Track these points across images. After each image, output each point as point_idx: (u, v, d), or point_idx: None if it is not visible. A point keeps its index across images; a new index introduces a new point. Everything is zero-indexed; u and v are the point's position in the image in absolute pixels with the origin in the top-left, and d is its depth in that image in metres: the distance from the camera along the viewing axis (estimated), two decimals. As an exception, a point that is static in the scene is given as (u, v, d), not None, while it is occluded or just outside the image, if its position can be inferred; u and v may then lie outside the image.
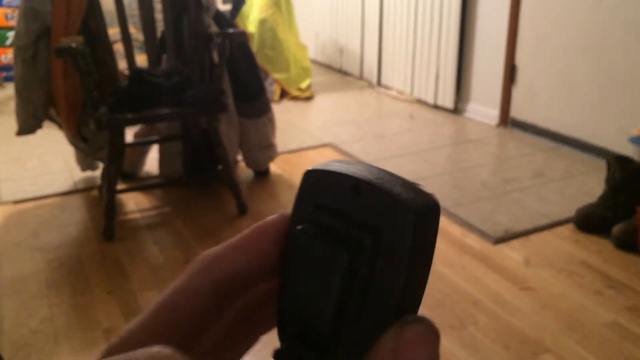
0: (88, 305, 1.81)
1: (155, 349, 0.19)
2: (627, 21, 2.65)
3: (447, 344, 1.60)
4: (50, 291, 1.89)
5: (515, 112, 3.31)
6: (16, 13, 3.77)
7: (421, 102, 3.88)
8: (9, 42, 4.48)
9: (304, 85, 4.14)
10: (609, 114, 2.80)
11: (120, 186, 2.41)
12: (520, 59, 3.21)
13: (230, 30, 2.31)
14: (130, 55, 2.37)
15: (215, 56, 2.38)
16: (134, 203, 2.51)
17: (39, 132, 2.47)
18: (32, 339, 1.65)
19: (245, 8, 4.13)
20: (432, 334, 0.21)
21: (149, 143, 2.70)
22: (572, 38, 2.90)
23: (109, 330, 1.69)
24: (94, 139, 2.45)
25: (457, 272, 1.94)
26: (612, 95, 2.76)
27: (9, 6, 4.49)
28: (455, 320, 1.70)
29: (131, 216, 2.42)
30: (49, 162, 2.95)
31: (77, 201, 2.55)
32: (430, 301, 1.79)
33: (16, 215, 2.41)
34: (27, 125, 2.38)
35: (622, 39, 2.68)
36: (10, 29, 4.42)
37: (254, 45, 3.91)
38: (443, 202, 2.42)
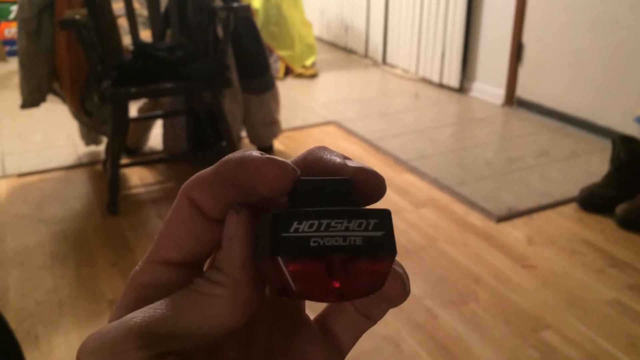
0: (92, 277, 1.83)
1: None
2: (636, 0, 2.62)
3: (448, 320, 1.61)
4: (55, 263, 1.90)
5: (521, 92, 3.29)
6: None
7: (426, 81, 3.85)
8: (12, 16, 4.45)
9: (308, 62, 4.11)
10: (615, 94, 2.78)
11: (124, 161, 2.41)
12: (527, 37, 3.18)
13: (235, 4, 2.29)
14: (134, 30, 2.36)
15: (220, 31, 2.36)
16: (137, 178, 2.51)
17: (43, 106, 2.47)
18: (37, 310, 1.67)
19: (250, -16, 4.09)
20: None
21: (153, 118, 2.70)
22: (580, 16, 2.87)
23: (113, 301, 1.70)
24: (97, 113, 2.45)
25: (459, 250, 1.94)
26: (619, 75, 2.74)
27: (12, -20, 4.45)
28: (456, 297, 1.71)
29: (135, 191, 2.42)
30: (53, 136, 2.95)
31: (81, 175, 2.55)
32: (432, 277, 1.80)
33: (20, 189, 2.42)
34: (31, 99, 2.38)
35: (631, 18, 2.64)
36: (13, 2, 4.39)
37: (259, 22, 3.88)
38: (446, 180, 2.42)
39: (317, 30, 4.73)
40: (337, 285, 0.20)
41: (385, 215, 0.21)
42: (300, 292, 0.20)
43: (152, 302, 0.21)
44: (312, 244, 0.20)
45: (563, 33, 2.98)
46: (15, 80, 2.63)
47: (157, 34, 2.47)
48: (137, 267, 0.23)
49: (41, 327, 1.60)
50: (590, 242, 1.98)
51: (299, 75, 4.02)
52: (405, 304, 1.64)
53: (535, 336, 1.54)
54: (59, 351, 1.52)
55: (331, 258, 0.20)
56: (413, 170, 2.54)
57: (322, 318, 0.26)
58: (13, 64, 4.08)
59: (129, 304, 0.22)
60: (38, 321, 1.62)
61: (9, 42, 4.44)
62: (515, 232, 2.05)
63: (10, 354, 1.01)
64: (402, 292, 0.23)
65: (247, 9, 2.30)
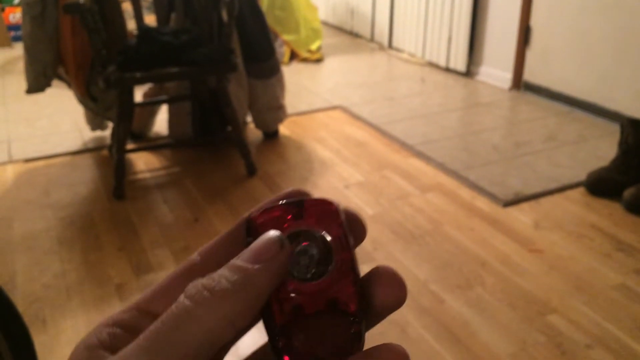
0: (99, 262, 1.84)
1: None
2: (646, -19, 2.57)
3: (454, 304, 1.61)
4: (62, 248, 1.91)
5: (529, 75, 3.26)
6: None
7: (433, 65, 3.82)
8: (16, 0, 4.44)
9: (314, 47, 4.08)
10: (624, 78, 2.74)
11: (129, 146, 2.41)
12: (535, 20, 3.14)
13: (240, -12, 2.27)
14: (138, 15, 2.34)
15: (224, 15, 2.34)
16: (143, 163, 2.51)
17: (49, 92, 2.46)
18: (44, 294, 1.68)
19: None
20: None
21: (158, 103, 2.69)
22: (589, -1, 2.83)
23: (121, 285, 1.71)
24: (102, 98, 2.44)
25: (465, 234, 1.94)
26: (628, 58, 2.71)
27: (16, -36, 4.43)
28: (462, 281, 1.71)
29: (141, 176, 2.42)
30: (58, 122, 2.95)
31: (87, 160, 2.56)
32: (438, 262, 1.79)
33: (27, 174, 2.43)
34: (37, 84, 2.37)
35: (641, 0, 2.61)
36: (17, -13, 4.37)
37: (263, 6, 3.85)
38: (453, 164, 2.41)
39: (322, 14, 4.69)
40: None
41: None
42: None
43: (118, 341, 0.21)
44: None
45: (571, 16, 2.94)
46: (21, 65, 2.63)
47: (162, 19, 2.45)
48: (113, 314, 0.23)
49: (49, 311, 1.61)
50: (598, 227, 1.97)
51: (305, 60, 3.99)
52: (411, 288, 1.64)
53: (542, 320, 1.54)
54: (66, 335, 1.53)
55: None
56: (419, 154, 2.53)
57: None
58: (18, 49, 4.07)
59: (87, 340, 0.22)
60: (45, 305, 1.63)
61: (13, 27, 4.43)
62: (522, 216, 2.04)
63: (18, 338, 1.02)
64: (402, 295, 0.24)
65: (252, -8, 2.28)
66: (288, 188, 0.25)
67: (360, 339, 0.22)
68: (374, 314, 0.24)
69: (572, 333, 1.49)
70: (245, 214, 0.24)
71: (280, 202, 0.23)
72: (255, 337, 0.26)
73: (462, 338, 1.49)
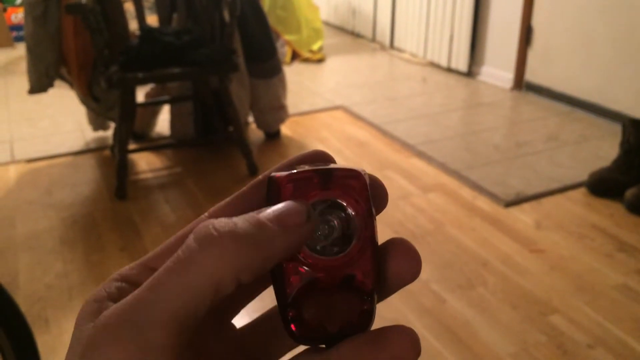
0: (101, 262, 1.84)
1: None
2: (648, -19, 2.57)
3: (455, 304, 1.61)
4: (64, 248, 1.92)
5: (530, 76, 3.26)
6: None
7: (434, 65, 3.82)
8: (19, 1, 4.45)
9: (315, 47, 4.09)
10: (626, 77, 2.74)
11: (131, 146, 2.42)
12: (537, 20, 3.14)
13: (241, -12, 2.28)
14: (140, 15, 2.35)
15: (226, 15, 2.34)
16: (145, 163, 2.52)
17: (51, 92, 2.47)
18: (47, 293, 1.69)
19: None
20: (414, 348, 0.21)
21: (160, 103, 2.70)
22: (590, -2, 2.83)
23: (122, 286, 1.72)
24: (105, 98, 2.45)
25: (466, 234, 1.94)
26: (630, 58, 2.71)
27: (18, -35, 4.44)
28: (464, 281, 1.71)
29: (143, 176, 2.43)
30: (61, 122, 2.96)
31: (89, 160, 2.56)
32: (439, 262, 1.80)
33: (29, 174, 2.44)
34: (39, 84, 2.38)
35: (643, 0, 2.61)
36: (20, -12, 4.38)
37: (265, 6, 3.85)
38: (454, 164, 2.41)
39: (324, 14, 4.70)
40: None
41: None
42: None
43: (125, 294, 0.21)
44: None
45: (573, 15, 2.94)
46: (23, 65, 2.64)
47: (164, 19, 2.46)
48: (120, 270, 0.23)
49: (51, 311, 1.61)
50: (599, 227, 1.97)
51: (306, 60, 4.00)
52: (413, 288, 1.64)
53: (543, 320, 1.54)
54: (69, 335, 1.52)
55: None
56: (420, 154, 2.53)
57: None
58: (20, 49, 4.08)
59: (96, 294, 0.22)
60: (48, 305, 1.64)
61: (16, 27, 4.44)
62: (523, 216, 2.04)
63: (21, 337, 1.03)
64: (417, 268, 0.22)
65: (254, -8, 2.29)
66: (310, 150, 0.24)
67: (371, 317, 0.21)
68: (385, 288, 0.23)
69: (574, 333, 1.50)
70: (267, 172, 0.23)
71: (307, 167, 0.22)
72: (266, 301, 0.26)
73: (463, 338, 1.49)
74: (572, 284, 1.69)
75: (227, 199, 0.23)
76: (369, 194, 0.22)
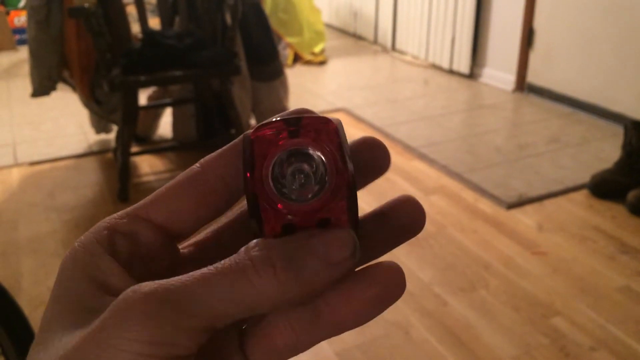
0: (104, 265, 1.84)
1: None
2: (650, -17, 2.57)
3: (457, 306, 1.61)
4: (67, 250, 1.92)
5: (532, 77, 3.26)
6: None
7: (436, 67, 3.83)
8: (21, 4, 4.46)
9: (317, 49, 4.09)
10: (627, 79, 2.74)
11: (134, 149, 2.42)
12: (538, 22, 3.15)
13: (243, -9, 2.29)
14: (142, 18, 2.35)
15: (228, 18, 2.35)
16: (147, 166, 2.53)
17: (53, 95, 2.48)
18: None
19: (258, -30, 4.06)
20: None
21: (162, 106, 2.71)
22: (591, 0, 2.83)
23: (125, 288, 1.72)
24: (107, 101, 2.46)
25: (468, 236, 1.94)
26: (632, 59, 2.71)
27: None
28: (466, 283, 1.71)
29: (145, 178, 2.43)
30: (63, 125, 2.96)
31: (91, 163, 2.57)
32: (441, 264, 1.80)
33: (32, 177, 2.44)
34: (42, 87, 2.39)
35: (645, 2, 2.61)
36: (22, -9, 4.39)
37: (267, 8, 3.86)
38: (456, 167, 2.41)
39: (325, 16, 4.70)
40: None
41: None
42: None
43: (117, 248, 0.20)
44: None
45: (575, 17, 2.94)
46: (26, 68, 2.65)
47: (166, 22, 2.46)
48: (108, 218, 0.22)
49: (54, 314, 1.62)
50: (601, 229, 1.97)
51: (308, 62, 4.00)
52: (415, 291, 1.64)
53: (545, 323, 1.54)
54: (72, 337, 1.53)
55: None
56: (422, 157, 2.53)
57: None
58: (23, 52, 4.09)
59: (86, 242, 0.21)
60: (51, 308, 1.64)
61: (18, 30, 4.45)
62: (525, 218, 2.04)
63: (25, 341, 1.03)
64: (421, 216, 0.23)
65: (256, -5, 2.29)
66: (294, 109, 0.24)
67: None
68: (362, 180, 0.23)
69: (576, 335, 1.50)
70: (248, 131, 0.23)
71: (277, 118, 0.22)
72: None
73: (465, 340, 1.49)
74: (574, 286, 1.69)
75: (219, 151, 0.23)
76: (341, 140, 0.22)
